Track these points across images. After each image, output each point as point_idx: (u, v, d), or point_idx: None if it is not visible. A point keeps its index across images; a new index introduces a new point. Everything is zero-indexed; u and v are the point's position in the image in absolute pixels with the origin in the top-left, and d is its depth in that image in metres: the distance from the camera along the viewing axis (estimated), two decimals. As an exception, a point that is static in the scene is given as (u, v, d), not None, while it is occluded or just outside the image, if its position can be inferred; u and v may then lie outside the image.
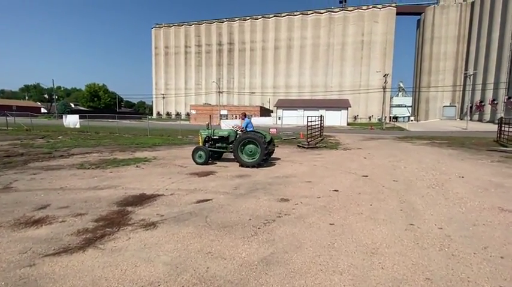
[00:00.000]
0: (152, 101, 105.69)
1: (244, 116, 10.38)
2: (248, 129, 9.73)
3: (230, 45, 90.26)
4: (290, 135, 22.07)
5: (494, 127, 37.78)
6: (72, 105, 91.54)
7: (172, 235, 3.80)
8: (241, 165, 8.95)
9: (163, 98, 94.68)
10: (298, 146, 15.26)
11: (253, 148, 9.09)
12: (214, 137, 9.92)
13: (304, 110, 50.98)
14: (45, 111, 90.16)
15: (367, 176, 7.82)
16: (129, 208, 4.86)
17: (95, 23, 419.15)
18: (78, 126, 27.15)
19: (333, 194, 5.94)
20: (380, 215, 4.65)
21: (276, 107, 58.03)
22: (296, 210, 4.86)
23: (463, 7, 71.32)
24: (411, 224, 4.27)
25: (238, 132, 9.92)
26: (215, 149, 9.89)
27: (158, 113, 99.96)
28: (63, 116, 30.17)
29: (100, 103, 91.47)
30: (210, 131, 9.99)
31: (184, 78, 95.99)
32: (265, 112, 64.51)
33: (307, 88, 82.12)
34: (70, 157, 10.55)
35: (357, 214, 4.74)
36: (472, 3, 68.38)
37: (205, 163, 9.22)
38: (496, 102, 54.08)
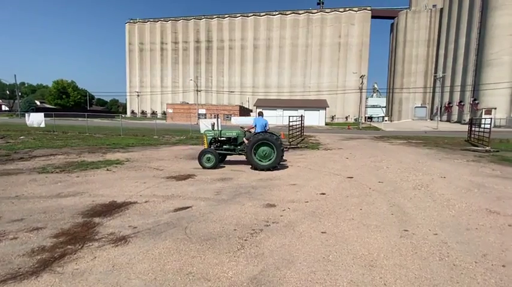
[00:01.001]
0: (126, 99, 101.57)
1: (259, 114, 9.69)
2: (257, 130, 9.13)
3: (208, 42, 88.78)
4: (270, 135, 21.84)
5: (461, 127, 40.04)
6: (38, 102, 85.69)
7: (147, 252, 3.30)
8: (255, 168, 8.45)
9: (138, 96, 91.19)
10: (280, 146, 14.99)
11: (268, 149, 8.60)
12: (222, 138, 9.25)
13: (284, 110, 51.18)
14: (7, 109, 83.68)
15: (352, 177, 7.66)
16: (97, 219, 4.27)
17: (65, 16, 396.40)
18: (43, 125, 25.12)
19: (321, 197, 5.66)
20: (372, 221, 4.41)
21: (255, 107, 57.81)
22: (284, 217, 4.50)
23: (433, 13, 75.11)
24: (405, 230, 4.06)
25: (249, 132, 9.36)
26: (222, 152, 9.20)
27: (132, 112, 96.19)
28: (26, 114, 27.80)
29: (69, 101, 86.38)
30: (216, 131, 9.29)
31: (160, 76, 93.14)
32: (244, 112, 64.09)
33: (286, 88, 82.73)
34: (31, 159, 9.52)
35: (348, 219, 4.47)
36: (441, 10, 72.16)
37: (215, 167, 8.55)
38: (462, 103, 57.38)
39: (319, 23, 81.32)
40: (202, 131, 23.69)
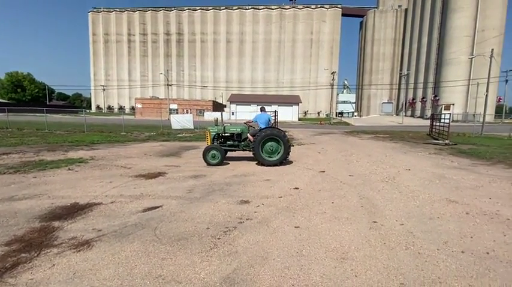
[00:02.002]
0: (90, 93, 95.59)
1: (261, 110, 9.56)
2: (261, 126, 8.96)
3: (179, 35, 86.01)
4: (244, 131, 21.79)
5: (424, 122, 42.65)
6: (-13, 96, 78.07)
7: (112, 256, 3.09)
8: (262, 164, 8.38)
9: (104, 90, 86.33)
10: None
11: (274, 145, 8.58)
12: (226, 134, 9.07)
13: (258, 105, 51.20)
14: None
15: (324, 171, 7.83)
16: (56, 223, 3.94)
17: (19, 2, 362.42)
18: (-5, 121, 22.92)
19: (294, 192, 5.71)
20: (343, 214, 4.52)
21: (229, 102, 57.29)
22: (258, 213, 4.47)
23: (399, 13, 78.90)
24: (374, 222, 4.20)
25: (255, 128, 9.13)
26: (226, 148, 8.97)
27: (98, 107, 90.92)
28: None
29: (25, 95, 79.50)
30: (220, 127, 9.07)
31: (128, 69, 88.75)
32: (218, 107, 63.25)
33: (259, 83, 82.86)
34: (-21, 159, 8.61)
35: (321, 213, 4.54)
36: (406, 10, 75.99)
37: (220, 164, 8.35)
38: (425, 100, 61.26)
39: (291, 18, 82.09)
40: (173, 127, 23.08)
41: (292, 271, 2.87)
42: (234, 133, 9.14)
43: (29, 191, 5.40)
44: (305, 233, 3.77)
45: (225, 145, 9.07)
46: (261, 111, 9.57)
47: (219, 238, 3.57)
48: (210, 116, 49.79)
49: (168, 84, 57.93)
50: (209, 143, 8.90)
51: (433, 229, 3.97)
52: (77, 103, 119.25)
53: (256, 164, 8.78)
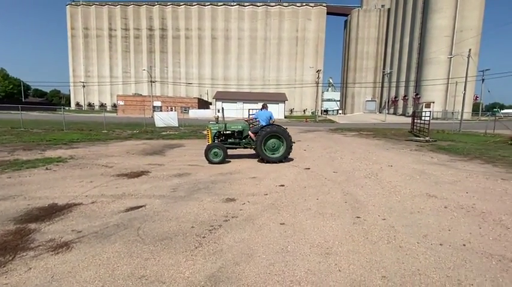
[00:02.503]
0: (69, 90, 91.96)
1: (263, 107, 9.58)
2: (262, 123, 9.03)
3: (163, 31, 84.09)
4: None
5: (406, 119, 43.91)
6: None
7: (93, 258, 3.00)
8: (266, 161, 8.46)
9: (84, 86, 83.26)
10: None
11: (277, 142, 8.71)
12: (227, 131, 9.02)
13: (244, 103, 51.09)
14: None
15: (309, 168, 7.91)
16: (33, 225, 3.78)
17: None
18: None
19: (280, 189, 5.74)
20: (327, 210, 4.59)
21: (214, 99, 56.78)
22: (244, 211, 4.46)
23: (382, 13, 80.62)
24: (358, 217, 4.29)
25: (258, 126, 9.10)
26: (227, 146, 8.86)
27: (78, 104, 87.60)
28: None
29: (-2, 91, 75.70)
30: (221, 125, 8.99)
31: (109, 65, 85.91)
32: (203, 104, 62.61)
33: (246, 81, 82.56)
34: None
35: (306, 209, 4.59)
36: (389, 10, 77.76)
37: (222, 162, 8.31)
38: (407, 98, 63.10)
39: (277, 16, 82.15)
40: (156, 125, 22.65)
41: (277, 268, 2.88)
42: (235, 131, 9.11)
43: (3, 192, 5.14)
44: (290, 230, 3.80)
45: (226, 143, 9.01)
46: (262, 108, 9.58)
47: (204, 237, 3.53)
48: (195, 113, 49.19)
49: (151, 81, 56.45)
50: (210, 141, 8.77)
51: (413, 223, 4.10)
52: (55, 100, 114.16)
53: (258, 161, 8.87)
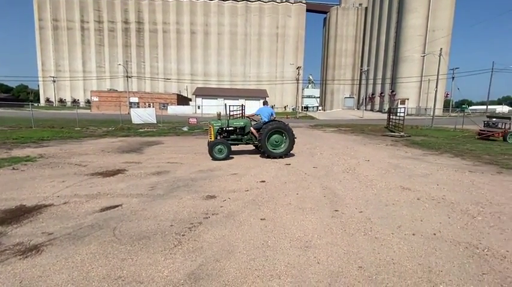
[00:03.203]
0: (38, 85, 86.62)
1: (264, 103, 9.75)
2: (264, 119, 9.14)
3: (139, 24, 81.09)
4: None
5: (382, 115, 45.44)
6: None
7: (66, 261, 2.86)
8: (268, 156, 8.63)
9: (54, 81, 78.71)
10: (220, 135, 14.82)
11: (279, 138, 8.89)
12: (230, 128, 9.05)
13: (224, 99, 50.63)
14: None
15: (289, 164, 7.99)
16: (-2, 229, 3.54)
17: None
18: None
19: (261, 185, 5.75)
20: (307, 204, 4.66)
21: (194, 96, 55.72)
22: (224, 207, 4.43)
23: (359, 11, 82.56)
24: (336, 211, 4.39)
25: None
26: (230, 142, 8.88)
27: (48, 100, 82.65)
28: None
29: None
30: (224, 121, 9.03)
31: (82, 59, 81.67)
32: (183, 100, 61.40)
33: (226, 77, 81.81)
34: None
35: (286, 204, 4.64)
36: (366, 9, 79.73)
37: (226, 158, 8.39)
38: (383, 95, 65.31)
39: (257, 12, 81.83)
40: (133, 121, 21.95)
41: (258, 263, 2.90)
42: (237, 127, 9.15)
43: (-36, 195, 4.78)
44: (271, 225, 3.83)
45: (228, 139, 9.02)
46: (263, 105, 9.74)
47: (183, 235, 3.48)
48: (173, 110, 48.12)
49: (127, 76, 54.32)
50: (213, 138, 8.76)
51: (388, 214, 4.26)
52: (23, 96, 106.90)
53: (260, 156, 9.02)
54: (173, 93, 60.89)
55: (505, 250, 3.20)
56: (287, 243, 3.34)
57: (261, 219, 4.02)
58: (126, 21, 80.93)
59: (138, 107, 48.26)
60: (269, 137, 8.75)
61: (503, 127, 15.24)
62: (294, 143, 9.05)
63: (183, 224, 3.78)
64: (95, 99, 53.55)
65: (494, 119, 16.49)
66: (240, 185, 5.71)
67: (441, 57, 28.97)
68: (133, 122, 21.52)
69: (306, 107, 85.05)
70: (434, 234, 3.60)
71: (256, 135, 8.95)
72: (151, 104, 51.90)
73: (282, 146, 8.94)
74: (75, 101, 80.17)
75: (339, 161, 8.45)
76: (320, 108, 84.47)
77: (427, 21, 55.60)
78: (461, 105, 63.79)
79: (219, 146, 8.41)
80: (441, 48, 30.98)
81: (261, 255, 3.05)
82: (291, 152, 9.30)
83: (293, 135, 9.01)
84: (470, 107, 71.25)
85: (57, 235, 3.42)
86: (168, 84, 78.97)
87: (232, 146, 8.94)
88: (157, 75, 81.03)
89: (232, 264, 2.87)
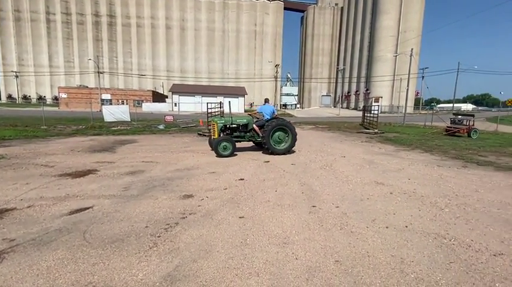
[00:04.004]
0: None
1: (265, 101, 10.02)
2: (266, 117, 9.36)
3: (111, 17, 77.21)
4: (189, 123, 21.01)
5: (357, 113, 46.86)
6: None
7: (30, 268, 2.67)
8: (272, 153, 8.85)
9: (17, 76, 73.20)
10: (199, 134, 14.58)
11: (282, 135, 9.18)
12: (233, 125, 9.23)
13: (202, 96, 49.84)
14: None
15: (268, 161, 8.02)
16: (-50, 237, 3.23)
17: None
18: None
19: (239, 183, 5.72)
20: (285, 201, 4.69)
21: (171, 93, 54.27)
22: (202, 207, 4.35)
23: (335, 11, 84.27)
24: (313, 206, 4.46)
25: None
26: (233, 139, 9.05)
27: (10, 97, 76.66)
28: None
29: None
30: (227, 119, 9.21)
31: (48, 53, 76.31)
32: (159, 97, 59.68)
33: (204, 74, 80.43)
34: None
35: (265, 202, 4.64)
36: (342, 9, 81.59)
37: (231, 155, 8.55)
38: (358, 93, 67.39)
39: (235, 8, 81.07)
40: (105, 119, 21.02)
41: (236, 261, 2.87)
42: (240, 124, 9.32)
43: None
44: (249, 223, 3.81)
45: (231, 136, 9.15)
46: (265, 102, 9.96)
47: (159, 236, 3.37)
48: (148, 107, 46.59)
49: (99, 72, 51.66)
50: (216, 136, 8.86)
51: (363, 209, 4.39)
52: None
53: (263, 152, 9.26)
54: (148, 90, 58.91)
55: (469, 239, 3.40)
56: (266, 240, 3.34)
57: (240, 217, 3.99)
58: (96, 14, 76.83)
59: (111, 104, 46.20)
60: (272, 134, 8.99)
61: (467, 124, 16.28)
62: (296, 140, 9.36)
63: (159, 225, 3.66)
64: (64, 96, 50.52)
65: (459, 117, 17.56)
66: (218, 184, 5.64)
67: (412, 57, 30.37)
68: (105, 120, 20.56)
69: (285, 105, 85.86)
70: (406, 226, 3.76)
71: (259, 132, 9.13)
72: (124, 101, 49.91)
73: (285, 142, 9.23)
74: (41, 98, 74.97)
75: (316, 158, 8.61)
76: (298, 106, 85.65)
77: (399, 23, 57.97)
78: (431, 104, 67.43)
79: (224, 143, 8.53)
80: (412, 49, 32.47)
81: (239, 253, 3.02)
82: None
83: (295, 132, 9.35)
84: (438, 105, 75.54)
85: (20, 241, 3.19)
86: (143, 81, 76.24)
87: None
88: (131, 71, 77.92)
89: (210, 264, 2.82)
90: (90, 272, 2.64)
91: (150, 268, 2.73)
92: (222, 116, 9.50)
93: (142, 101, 51.49)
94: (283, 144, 9.20)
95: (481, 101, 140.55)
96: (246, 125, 9.42)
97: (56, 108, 47.07)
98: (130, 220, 3.83)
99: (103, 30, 77.39)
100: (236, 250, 3.10)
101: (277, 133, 9.10)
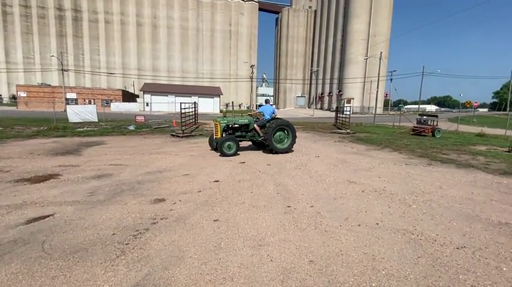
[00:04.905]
0: (-51, 77, 72.71)
1: (266, 102, 10.46)
2: (266, 117, 9.71)
3: (76, 12, 72.65)
4: (162, 124, 20.36)
5: (331, 114, 48.19)
6: None
7: (-24, 287, 2.39)
8: (276, 152, 9.17)
9: (-31, 73, 66.89)
10: (172, 135, 14.16)
11: (283, 134, 9.60)
12: (235, 125, 9.49)
13: (176, 96, 48.53)
14: None
15: (244, 162, 7.95)
16: None
17: None
18: None
19: (214, 185, 5.60)
20: (261, 202, 4.66)
21: (142, 92, 52.29)
22: (175, 211, 4.19)
23: (309, 13, 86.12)
24: (288, 207, 4.47)
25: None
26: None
27: (-39, 95, 69.99)
28: None
29: None
30: (230, 119, 9.51)
31: (5, 48, 70.03)
32: (130, 97, 57.38)
33: (177, 73, 78.49)
34: None
35: (240, 203, 4.57)
36: (315, 12, 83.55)
37: (235, 154, 8.79)
38: (331, 94, 69.38)
39: (209, 7, 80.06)
40: (70, 120, 19.78)
41: (210, 266, 2.78)
42: (242, 124, 9.59)
43: None
44: (224, 226, 3.72)
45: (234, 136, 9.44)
46: (266, 103, 10.39)
47: (127, 244, 3.18)
48: (117, 107, 44.60)
49: (63, 70, 48.32)
50: (219, 135, 9.11)
51: (337, 207, 4.47)
52: None
53: (263, 151, 9.59)
54: (118, 89, 56.31)
55: (435, 234, 3.57)
56: (240, 243, 3.27)
57: (214, 220, 3.88)
58: (60, 8, 71.99)
59: (77, 104, 43.66)
60: (273, 134, 9.31)
61: (432, 124, 17.32)
62: (295, 140, 9.79)
63: (128, 232, 3.46)
64: (23, 94, 46.76)
65: (424, 117, 18.64)
66: (192, 186, 5.48)
67: (381, 60, 31.83)
68: (70, 121, 19.28)
69: (261, 105, 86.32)
70: (377, 223, 3.87)
71: (260, 132, 9.50)
72: (92, 100, 47.36)
73: (285, 142, 9.63)
74: (-3, 97, 69.09)
75: (291, 158, 8.68)
76: (274, 106, 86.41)
77: (369, 27, 60.53)
78: (398, 105, 71.10)
79: (228, 143, 8.76)
80: (381, 52, 34.04)
81: (213, 258, 2.93)
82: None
83: (295, 132, 9.78)
84: (405, 107, 79.80)
85: (-34, 256, 2.85)
86: (112, 80, 72.72)
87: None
88: (99, 69, 73.96)
89: (182, 270, 2.70)
90: (49, 286, 2.42)
91: (116, 278, 2.56)
92: (225, 116, 9.80)
93: (111, 100, 49.19)
94: (283, 143, 9.59)
95: (443, 102, 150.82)
96: (247, 125, 9.72)
97: (13, 108, 43.60)
98: (96, 227, 3.58)
99: (67, 26, 72.70)
100: (210, 254, 3.00)
101: (278, 133, 9.49)
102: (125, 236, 3.36)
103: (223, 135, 9.19)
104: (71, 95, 48.09)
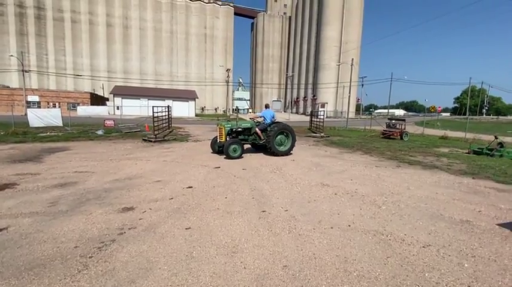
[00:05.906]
0: None
1: (266, 107, 10.99)
2: (267, 121, 10.19)
3: (39, 9, 68.19)
4: (133, 128, 19.59)
5: (306, 118, 49.19)
6: None
7: None
8: (276, 154, 9.64)
9: None
10: (144, 140, 13.65)
11: (283, 138, 10.12)
12: (239, 129, 9.90)
13: (149, 99, 47.10)
14: None
15: (219, 167, 7.83)
16: None
17: None
18: None
19: (187, 191, 5.43)
20: (235, 208, 4.59)
21: (112, 95, 50.09)
22: (144, 220, 3.99)
23: (284, 19, 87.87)
24: (263, 211, 4.44)
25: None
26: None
27: None
28: None
29: None
30: (233, 123, 9.92)
31: (-45, 46, 64.59)
32: (99, 100, 54.87)
33: (150, 76, 76.25)
34: None
35: (214, 210, 4.47)
36: (290, 18, 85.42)
37: (240, 157, 9.13)
38: (306, 99, 71.05)
39: (183, 10, 78.96)
40: (31, 125, 18.47)
41: (180, 277, 2.66)
42: (245, 128, 10.03)
43: None
44: (196, 234, 3.60)
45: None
46: (266, 108, 10.95)
47: (90, 257, 2.97)
48: (85, 111, 42.43)
49: (24, 70, 45.06)
50: (223, 139, 9.57)
51: (310, 211, 4.51)
52: None
53: (264, 154, 10.07)
54: (86, 92, 53.59)
55: (403, 234, 3.71)
56: (213, 251, 3.18)
57: (186, 228, 3.75)
58: (20, 5, 67.23)
59: (39, 107, 40.96)
60: (275, 137, 9.77)
61: (400, 128, 18.22)
62: (295, 143, 10.36)
63: (92, 244, 3.24)
64: (-22, 97, 43.11)
65: (393, 121, 19.57)
66: (163, 193, 5.27)
67: (352, 66, 33.14)
68: (31, 125, 17.95)
69: (238, 110, 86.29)
70: (349, 225, 3.95)
71: (261, 135, 10.02)
72: (56, 103, 44.68)
73: (286, 144, 10.14)
74: None
75: (267, 162, 8.69)
76: (250, 111, 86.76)
77: (341, 34, 62.95)
78: (369, 109, 74.33)
79: (233, 146, 9.12)
80: (352, 59, 35.49)
81: (184, 268, 2.81)
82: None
83: (295, 135, 10.32)
84: (376, 111, 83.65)
85: None
86: (80, 82, 68.98)
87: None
88: (64, 70, 69.84)
89: (151, 283, 2.57)
90: (-2, 310, 2.18)
91: (77, 296, 2.36)
92: (229, 121, 10.30)
93: (78, 104, 46.71)
94: (283, 146, 10.09)
95: (410, 107, 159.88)
96: (249, 129, 10.19)
97: (-33, 112, 39.88)
98: (56, 240, 3.31)
99: (29, 24, 68.07)
100: (181, 264, 2.88)
101: (279, 136, 9.99)
102: (88, 248, 3.14)
103: (228, 138, 9.62)
104: (33, 98, 45.04)
